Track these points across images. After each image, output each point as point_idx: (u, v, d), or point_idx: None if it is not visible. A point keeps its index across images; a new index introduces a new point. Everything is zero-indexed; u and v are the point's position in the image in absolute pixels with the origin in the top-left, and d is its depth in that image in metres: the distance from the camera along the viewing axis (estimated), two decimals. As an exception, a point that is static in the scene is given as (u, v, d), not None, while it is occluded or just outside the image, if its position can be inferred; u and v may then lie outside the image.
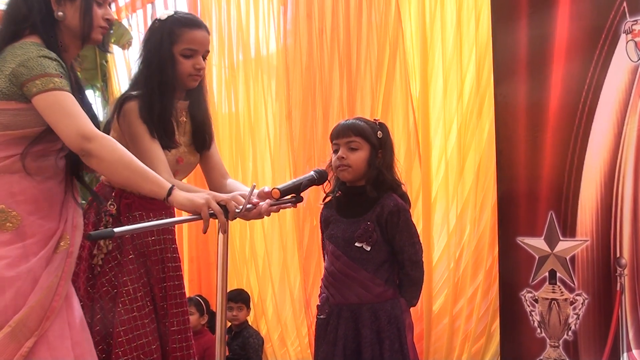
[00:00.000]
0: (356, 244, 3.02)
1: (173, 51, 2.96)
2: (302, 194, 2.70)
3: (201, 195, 2.44)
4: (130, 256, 3.02)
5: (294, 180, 2.70)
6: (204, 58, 3.02)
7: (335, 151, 3.07)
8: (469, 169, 4.21)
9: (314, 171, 2.79)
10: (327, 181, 2.96)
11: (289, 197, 2.62)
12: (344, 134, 3.06)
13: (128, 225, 2.88)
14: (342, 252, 3.04)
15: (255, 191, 2.69)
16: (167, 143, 2.99)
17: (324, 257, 3.26)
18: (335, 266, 3.07)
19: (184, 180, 3.20)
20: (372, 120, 3.17)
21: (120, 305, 2.96)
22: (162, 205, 2.94)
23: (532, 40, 3.65)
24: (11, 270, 2.41)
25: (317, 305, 3.18)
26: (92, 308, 2.98)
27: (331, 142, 3.12)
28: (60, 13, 2.57)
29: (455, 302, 4.21)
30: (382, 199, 3.03)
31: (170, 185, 2.45)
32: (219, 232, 2.38)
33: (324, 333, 3.08)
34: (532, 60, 3.65)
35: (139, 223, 2.95)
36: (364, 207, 3.05)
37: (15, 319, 2.39)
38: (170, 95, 3.00)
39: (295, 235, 4.96)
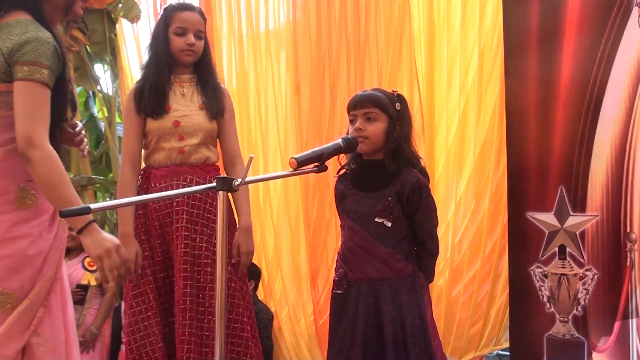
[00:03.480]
0: (376, 220, 2.95)
1: (168, 32, 3.34)
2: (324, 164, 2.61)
3: (107, 245, 2.46)
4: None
5: (317, 148, 2.54)
6: (199, 37, 3.36)
7: (352, 122, 2.99)
8: (471, 156, 4.22)
9: (342, 139, 2.67)
10: (354, 150, 2.84)
11: (311, 166, 2.53)
12: (361, 105, 2.97)
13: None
14: (361, 227, 2.98)
15: None
16: (156, 109, 3.31)
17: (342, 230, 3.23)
18: (354, 241, 3.00)
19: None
20: (391, 91, 3.07)
21: None
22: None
23: (543, 13, 3.61)
24: (33, 249, 2.49)
25: (334, 280, 3.10)
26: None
27: (348, 113, 3.03)
28: None
29: (454, 286, 4.23)
30: (403, 174, 2.95)
31: (84, 224, 2.44)
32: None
33: (342, 309, 3.02)
34: (543, 33, 3.62)
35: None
36: (383, 182, 2.97)
37: (34, 292, 2.49)
38: (163, 70, 3.34)
39: (302, 212, 4.95)
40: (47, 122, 2.47)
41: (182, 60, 3.36)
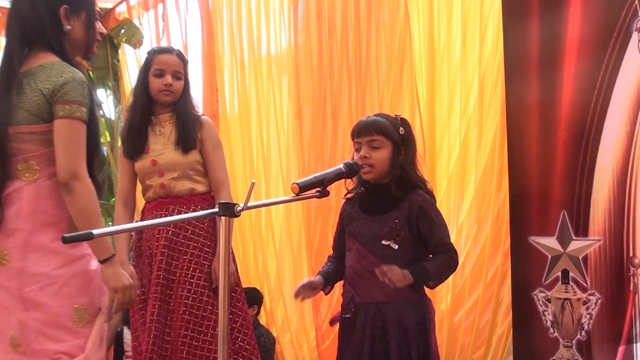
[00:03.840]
0: (383, 242, 2.96)
1: (148, 75, 3.61)
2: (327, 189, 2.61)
3: (125, 282, 2.74)
4: None
5: (319, 174, 2.54)
6: (178, 78, 3.61)
7: (357, 150, 3.00)
8: (472, 181, 4.21)
9: (344, 164, 2.66)
10: (355, 175, 2.83)
11: (313, 191, 2.54)
12: (365, 132, 2.97)
13: None
14: (368, 251, 2.98)
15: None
16: (136, 153, 3.59)
17: (333, 248, 3.23)
18: (362, 264, 3.00)
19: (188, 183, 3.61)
20: (394, 116, 3.08)
21: None
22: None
23: (543, 38, 3.62)
24: (92, 265, 2.75)
25: (341, 304, 3.11)
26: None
27: (352, 140, 3.04)
28: (68, 27, 2.76)
29: (456, 311, 4.21)
30: (409, 195, 2.97)
31: (108, 256, 2.72)
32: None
33: (350, 332, 3.02)
34: (543, 58, 3.62)
35: None
36: (390, 205, 2.98)
37: (105, 305, 2.77)
38: (141, 112, 3.60)
39: (304, 237, 4.95)
40: (84, 153, 2.71)
41: (161, 100, 3.61)
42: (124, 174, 3.67)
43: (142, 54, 6.33)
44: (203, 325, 3.43)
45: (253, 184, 2.33)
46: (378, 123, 3.00)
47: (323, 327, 4.77)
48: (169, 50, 3.71)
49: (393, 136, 2.98)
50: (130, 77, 6.55)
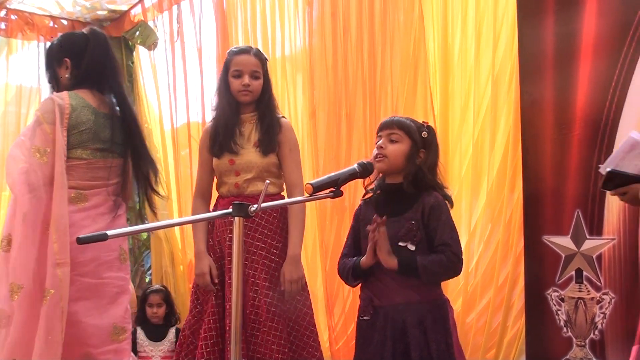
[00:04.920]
0: (400, 243, 2.95)
1: (227, 76, 3.65)
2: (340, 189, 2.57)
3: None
4: None
5: (332, 174, 2.57)
6: (256, 77, 3.63)
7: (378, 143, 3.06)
8: (485, 184, 4.21)
9: (357, 164, 2.69)
10: (369, 175, 2.84)
11: (326, 191, 2.51)
12: (387, 126, 3.06)
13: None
14: None
15: None
16: (219, 150, 3.63)
17: (345, 253, 3.20)
18: (379, 267, 2.99)
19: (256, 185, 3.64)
20: (421, 122, 3.14)
21: None
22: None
23: (558, 37, 3.61)
24: None
25: (359, 306, 3.11)
26: None
27: (377, 135, 3.12)
28: None
29: (468, 313, 4.20)
30: (422, 196, 2.99)
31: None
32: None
33: (369, 334, 3.02)
34: (558, 57, 3.61)
35: None
36: (404, 205, 2.99)
37: None
38: (230, 111, 3.64)
39: (318, 237, 4.94)
40: None
41: (240, 100, 3.64)
42: (205, 168, 3.76)
43: (156, 56, 6.36)
44: (266, 326, 3.46)
45: (267, 184, 2.34)
46: (401, 120, 3.08)
47: (337, 329, 4.76)
48: (246, 51, 3.72)
49: (413, 135, 3.03)
50: (144, 79, 6.58)
